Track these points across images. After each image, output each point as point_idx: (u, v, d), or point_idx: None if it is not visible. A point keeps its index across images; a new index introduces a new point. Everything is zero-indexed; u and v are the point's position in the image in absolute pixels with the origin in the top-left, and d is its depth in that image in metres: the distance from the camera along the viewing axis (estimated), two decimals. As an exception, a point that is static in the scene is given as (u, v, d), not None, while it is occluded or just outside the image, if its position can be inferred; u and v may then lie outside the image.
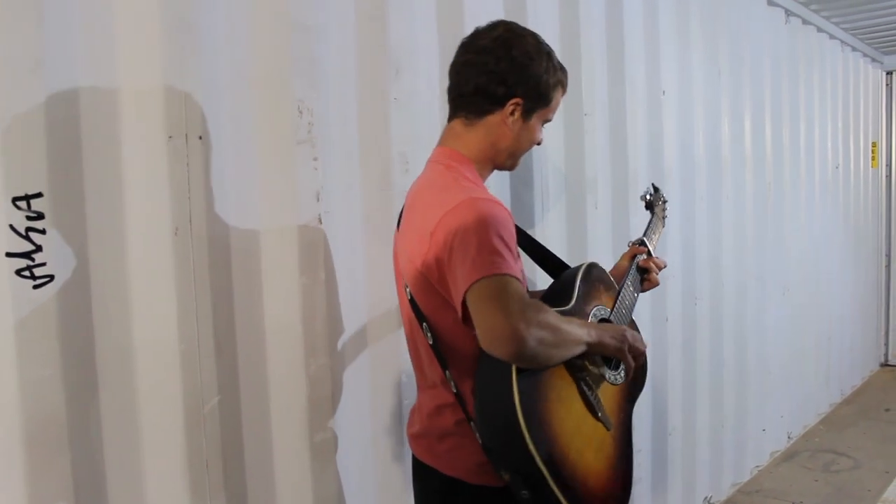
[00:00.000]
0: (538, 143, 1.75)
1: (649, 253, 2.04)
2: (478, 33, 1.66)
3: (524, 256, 1.89)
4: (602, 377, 1.62)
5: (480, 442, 1.51)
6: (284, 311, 1.91)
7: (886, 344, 7.08)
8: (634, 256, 2.00)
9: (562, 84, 1.72)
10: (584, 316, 1.68)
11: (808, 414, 5.27)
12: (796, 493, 4.14)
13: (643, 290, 2.00)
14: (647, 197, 2.24)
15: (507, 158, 1.70)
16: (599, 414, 1.56)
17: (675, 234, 3.58)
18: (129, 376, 1.66)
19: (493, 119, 1.63)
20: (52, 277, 1.52)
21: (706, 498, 3.94)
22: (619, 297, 1.83)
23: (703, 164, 3.80)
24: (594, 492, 1.51)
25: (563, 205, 2.87)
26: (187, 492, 1.74)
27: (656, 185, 2.32)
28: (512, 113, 1.62)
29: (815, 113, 5.26)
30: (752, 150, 4.35)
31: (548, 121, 1.74)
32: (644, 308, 3.30)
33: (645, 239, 2.06)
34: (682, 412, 3.68)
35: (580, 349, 1.49)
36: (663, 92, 3.45)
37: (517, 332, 1.34)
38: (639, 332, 1.84)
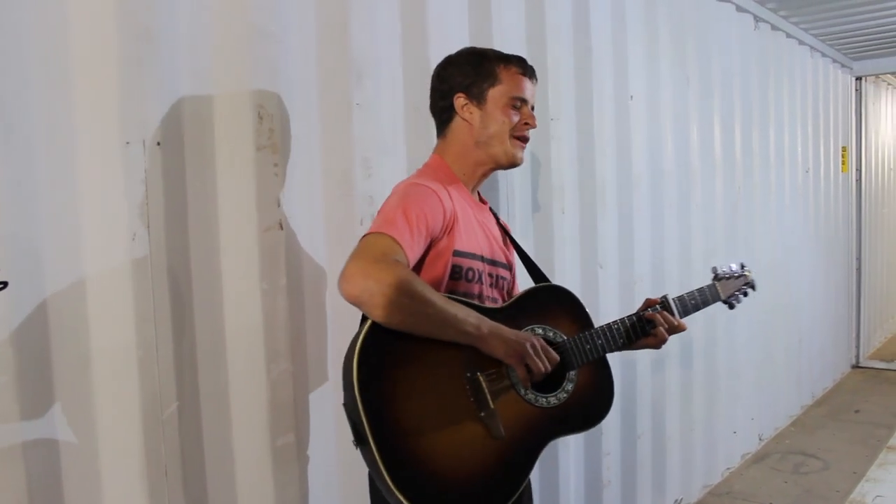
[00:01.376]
0: (525, 126, 1.80)
1: (670, 311, 1.95)
2: None
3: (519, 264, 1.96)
4: (514, 389, 1.62)
5: None
6: (245, 316, 1.90)
7: (857, 346, 7.16)
8: (646, 308, 1.95)
9: (504, 60, 1.81)
10: (515, 325, 1.65)
11: (779, 416, 5.32)
12: (766, 494, 4.18)
13: (641, 346, 1.92)
14: (720, 270, 2.14)
15: (485, 147, 1.79)
16: (482, 414, 1.56)
17: (645, 239, 3.61)
18: (86, 382, 1.65)
19: (454, 124, 1.82)
20: (5, 284, 1.51)
21: (677, 500, 3.96)
22: (589, 332, 1.79)
23: (672, 170, 3.83)
24: (434, 473, 1.49)
25: (529, 209, 2.89)
26: (146, 499, 1.73)
27: (746, 266, 2.22)
28: (462, 107, 1.79)
29: (784, 118, 5.32)
30: (722, 156, 4.39)
31: (517, 101, 1.78)
32: (614, 313, 3.32)
33: (668, 296, 1.99)
34: (651, 415, 3.71)
35: (455, 333, 1.53)
36: (631, 97, 3.48)
37: (360, 274, 1.45)
38: (608, 378, 1.84)
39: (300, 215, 2.03)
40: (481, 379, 1.57)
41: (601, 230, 3.26)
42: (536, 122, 1.84)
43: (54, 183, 1.60)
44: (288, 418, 1.99)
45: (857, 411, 5.68)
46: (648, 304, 1.97)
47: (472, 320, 1.55)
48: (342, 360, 2.10)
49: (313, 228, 2.08)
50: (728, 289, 2.13)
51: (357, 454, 2.00)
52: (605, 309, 3.17)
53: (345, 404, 1.52)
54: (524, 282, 1.96)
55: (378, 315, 1.46)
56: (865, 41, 6.04)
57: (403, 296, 1.45)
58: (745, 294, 2.18)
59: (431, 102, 1.87)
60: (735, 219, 4.55)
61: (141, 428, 1.72)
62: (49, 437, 1.60)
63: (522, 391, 1.63)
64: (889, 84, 8.11)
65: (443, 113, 1.83)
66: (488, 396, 1.56)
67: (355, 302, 1.48)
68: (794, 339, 5.56)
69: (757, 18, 4.87)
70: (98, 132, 1.66)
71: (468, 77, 1.78)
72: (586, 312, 1.86)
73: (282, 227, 1.96)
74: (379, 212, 1.64)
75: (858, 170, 7.06)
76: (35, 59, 1.57)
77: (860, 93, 7.01)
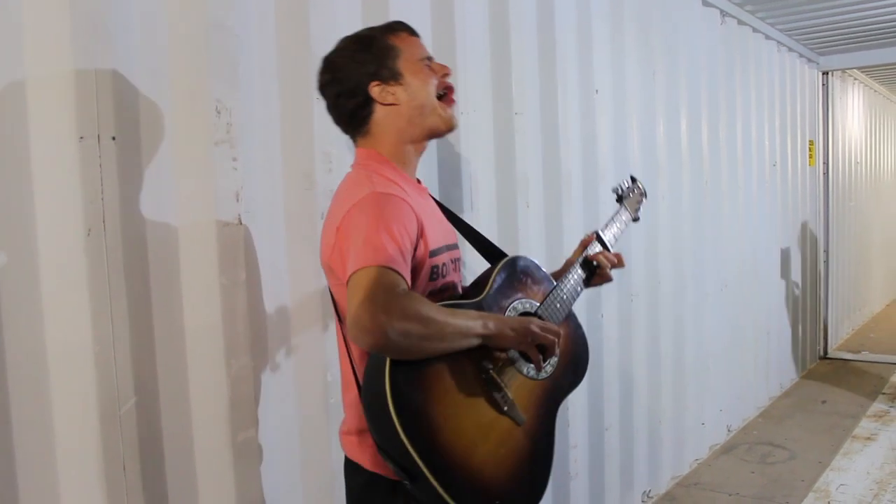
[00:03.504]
0: (445, 78, 1.73)
1: (605, 246, 2.00)
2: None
3: (465, 244, 1.92)
4: (517, 371, 1.62)
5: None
6: (204, 311, 1.89)
7: (825, 338, 7.26)
8: (585, 249, 1.98)
9: (389, 30, 1.72)
10: (500, 310, 1.66)
11: (747, 407, 5.38)
12: (733, 484, 4.22)
13: (593, 285, 1.96)
14: (620, 189, 2.20)
15: (419, 123, 1.68)
16: (506, 408, 1.56)
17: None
18: (42, 379, 1.64)
19: (377, 115, 1.68)
20: (-45, 280, 1.50)
21: (645, 492, 4.00)
22: (554, 291, 1.80)
23: (637, 164, 3.85)
24: (489, 485, 1.50)
25: (494, 203, 2.90)
26: (104, 495, 1.72)
27: (635, 176, 2.29)
28: (381, 93, 1.65)
29: (751, 112, 5.37)
30: (689, 150, 4.42)
31: (425, 60, 1.70)
32: (579, 305, 3.33)
33: (600, 231, 2.03)
34: (618, 408, 3.73)
35: (468, 341, 1.49)
36: (596, 91, 3.49)
37: (376, 322, 1.34)
38: (579, 327, 1.88)
39: (260, 210, 2.02)
40: (493, 373, 1.56)
41: (566, 224, 3.27)
42: (449, 69, 1.77)
43: (8, 178, 1.59)
44: (249, 413, 1.98)
45: (823, 402, 5.76)
46: (585, 243, 2.01)
47: (478, 323, 1.51)
48: (303, 350, 2.11)
49: (273, 223, 2.07)
50: (633, 204, 2.22)
51: (317, 445, 2.00)
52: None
53: (381, 448, 1.46)
54: (472, 257, 1.98)
55: (406, 356, 1.42)
56: (832, 36, 6.11)
57: (424, 329, 1.40)
58: (642, 204, 2.27)
59: (336, 113, 1.71)
60: (702, 212, 4.58)
61: (98, 424, 1.71)
62: (2, 434, 1.58)
63: (525, 370, 1.63)
64: (855, 79, 8.22)
65: (358, 111, 1.67)
66: (504, 388, 1.56)
67: (380, 352, 1.41)
68: (762, 330, 5.62)
69: (724, 13, 4.91)
70: (52, 127, 1.64)
71: (369, 63, 1.65)
72: (544, 273, 1.86)
73: (241, 222, 1.95)
74: (351, 228, 1.50)
75: (826, 163, 7.15)
76: (-15, 52, 1.55)
77: (827, 87, 7.10)
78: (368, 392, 1.46)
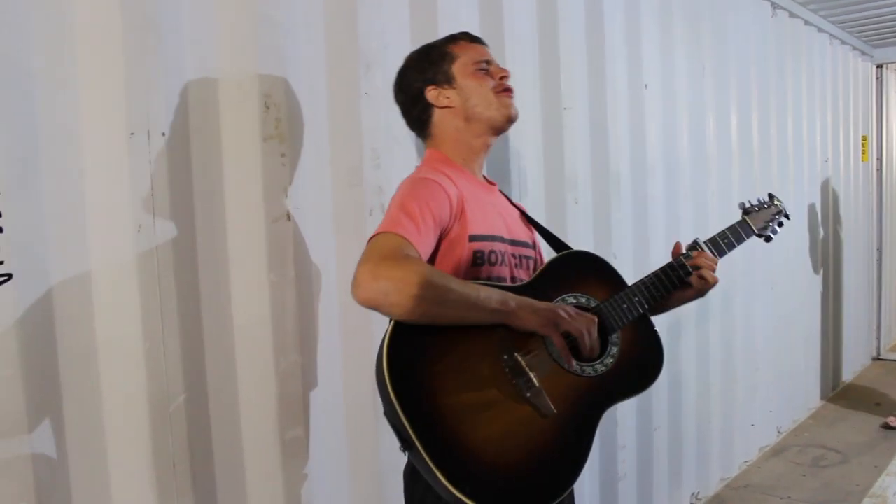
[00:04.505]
0: (503, 80, 1.77)
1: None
2: None
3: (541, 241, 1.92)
4: (553, 361, 1.56)
5: None
6: (253, 307, 1.89)
7: (878, 338, 7.08)
8: (677, 254, 1.86)
9: (450, 39, 1.81)
10: (547, 299, 1.60)
11: (798, 409, 5.26)
12: (784, 487, 4.13)
13: (682, 299, 1.84)
14: (747, 203, 2.06)
15: (477, 118, 1.75)
16: (528, 395, 1.50)
17: (660, 229, 3.57)
18: (93, 376, 1.64)
19: (436, 118, 1.78)
20: (9, 276, 1.50)
21: (694, 494, 3.93)
22: (623, 292, 1.72)
23: (687, 160, 3.79)
24: (489, 466, 1.43)
25: (543, 200, 2.86)
26: (154, 492, 1.72)
27: (773, 194, 2.13)
28: (437, 97, 1.76)
29: (803, 107, 5.25)
30: (739, 145, 4.33)
31: (482, 64, 1.76)
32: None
33: (699, 239, 1.89)
34: (667, 408, 3.67)
35: (479, 314, 1.47)
36: (646, 86, 3.43)
37: (367, 276, 1.40)
38: (653, 336, 1.76)
39: (308, 206, 2.01)
40: (519, 358, 1.51)
41: (615, 220, 3.22)
42: (508, 71, 1.81)
43: (59, 174, 1.59)
44: (297, 411, 1.97)
45: (877, 404, 5.61)
46: (677, 250, 1.88)
47: (496, 297, 1.49)
48: (352, 348, 2.10)
49: (321, 219, 2.05)
50: (759, 221, 2.04)
51: (366, 444, 1.98)
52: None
53: (385, 413, 1.46)
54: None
55: (398, 313, 1.41)
56: (886, 28, 5.95)
57: (420, 287, 1.39)
58: (780, 224, 2.09)
59: (406, 119, 1.85)
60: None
61: (148, 420, 1.71)
62: (55, 430, 1.59)
63: (566, 363, 1.56)
64: (911, 72, 8.00)
65: (421, 116, 1.80)
66: (531, 374, 1.50)
67: (371, 305, 1.42)
68: (814, 331, 5.49)
69: (775, 6, 4.81)
70: (103, 123, 1.64)
71: (426, 71, 1.77)
72: (617, 273, 1.79)
73: (290, 218, 1.94)
74: (387, 209, 1.61)
75: (879, 159, 6.96)
76: (39, 50, 1.56)
77: (881, 81, 6.91)
78: (377, 357, 1.46)
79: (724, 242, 1.93)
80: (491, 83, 1.75)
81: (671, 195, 3.66)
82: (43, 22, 1.56)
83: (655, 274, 1.80)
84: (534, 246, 1.86)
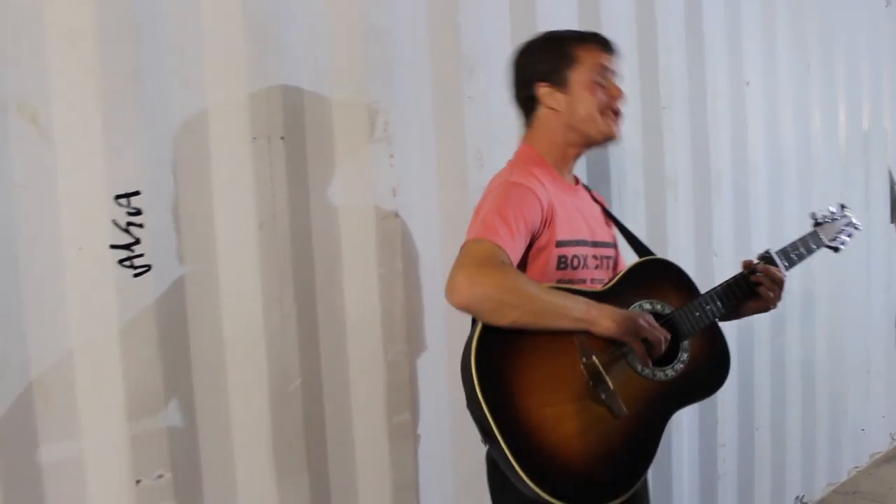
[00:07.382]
0: (614, 100, 1.77)
1: (773, 265, 1.88)
2: None
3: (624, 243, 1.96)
4: (630, 366, 1.64)
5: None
6: (363, 299, 2.02)
7: None
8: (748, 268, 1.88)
9: (580, 39, 1.79)
10: (623, 304, 1.67)
11: (913, 415, 5.06)
12: (896, 496, 4.00)
13: (751, 310, 1.87)
14: (818, 214, 2.08)
15: (577, 129, 1.76)
16: (603, 397, 1.56)
17: (763, 228, 3.52)
18: (219, 362, 1.81)
19: (540, 113, 1.79)
20: (149, 267, 1.68)
21: (798, 497, 3.85)
22: (696, 300, 1.78)
23: (791, 159, 3.70)
24: (564, 462, 1.52)
25: (642, 199, 2.88)
26: (273, 469, 1.87)
27: (845, 205, 2.15)
28: (546, 96, 1.76)
29: (919, 103, 5.04)
30: (847, 145, 4.19)
31: (600, 78, 1.75)
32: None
33: (771, 251, 1.92)
34: (770, 408, 3.61)
35: (563, 321, 1.54)
36: (747, 83, 3.40)
37: (463, 282, 1.49)
38: (722, 345, 1.82)
39: (415, 205, 2.12)
40: (597, 362, 1.58)
41: (716, 219, 3.20)
42: (624, 93, 1.79)
43: (189, 177, 1.76)
44: (404, 397, 2.09)
45: None
46: (747, 264, 1.90)
47: (580, 306, 1.57)
48: (456, 340, 2.19)
49: (428, 217, 2.17)
50: (830, 232, 2.06)
51: (469, 431, 2.07)
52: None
53: (469, 406, 1.56)
54: (629, 256, 1.97)
55: (490, 319, 1.51)
56: None
57: (511, 296, 1.49)
58: (850, 235, 2.10)
59: (513, 92, 1.84)
60: (866, 208, 4.33)
61: (268, 402, 1.86)
62: (187, 406, 1.76)
63: (639, 368, 1.64)
64: None
65: (526, 102, 1.81)
66: (606, 377, 1.57)
67: (466, 310, 1.53)
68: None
69: (888, -5, 4.64)
70: (228, 129, 1.81)
71: (546, 63, 1.76)
72: (691, 282, 1.85)
73: (398, 216, 2.06)
74: (476, 212, 1.67)
75: None
76: (174, 63, 1.73)
77: None
78: (464, 350, 1.56)
79: (795, 254, 1.96)
80: (602, 98, 1.75)
81: (774, 195, 3.60)
82: (175, 39, 1.74)
83: (728, 283, 1.85)
84: (614, 244, 1.92)
